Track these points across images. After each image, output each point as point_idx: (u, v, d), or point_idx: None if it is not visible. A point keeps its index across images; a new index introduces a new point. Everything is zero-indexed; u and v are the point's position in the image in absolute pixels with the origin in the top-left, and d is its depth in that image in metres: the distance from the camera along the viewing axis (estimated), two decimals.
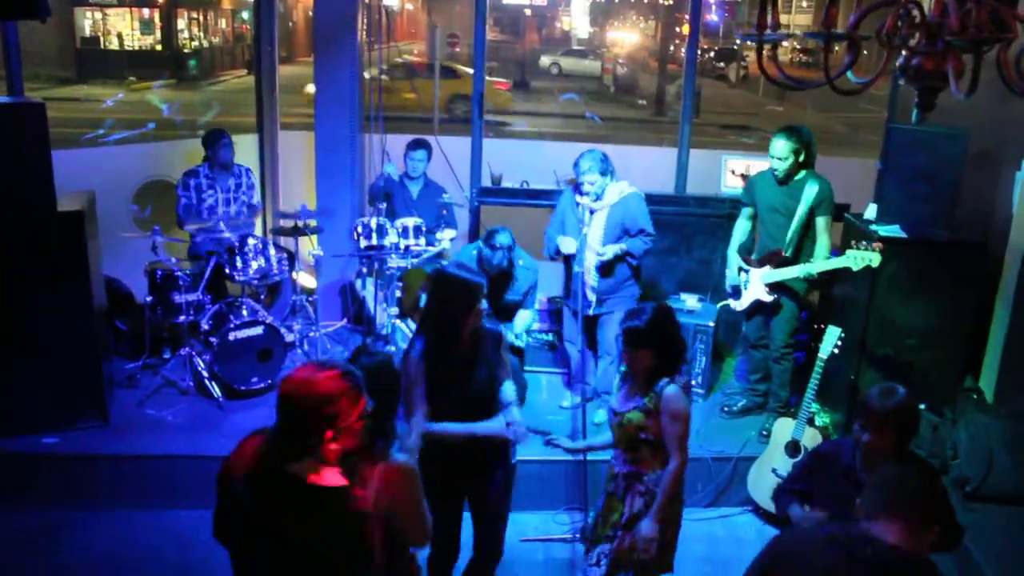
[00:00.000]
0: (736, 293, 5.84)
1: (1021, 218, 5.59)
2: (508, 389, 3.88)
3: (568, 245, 5.68)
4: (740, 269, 5.77)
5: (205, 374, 6.00)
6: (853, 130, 18.64)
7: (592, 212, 5.62)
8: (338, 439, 2.49)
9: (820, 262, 5.42)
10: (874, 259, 5.08)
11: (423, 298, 4.13)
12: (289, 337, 6.52)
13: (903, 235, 5.58)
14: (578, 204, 5.69)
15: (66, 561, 4.84)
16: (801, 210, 5.45)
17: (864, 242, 5.12)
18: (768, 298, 5.64)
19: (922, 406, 5.64)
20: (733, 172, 7.02)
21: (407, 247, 6.21)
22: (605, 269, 5.68)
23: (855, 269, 5.14)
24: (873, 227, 5.73)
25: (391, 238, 6.17)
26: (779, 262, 5.53)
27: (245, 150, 7.57)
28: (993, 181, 5.91)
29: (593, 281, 5.71)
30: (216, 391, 5.94)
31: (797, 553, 2.47)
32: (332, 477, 2.50)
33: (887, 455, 3.21)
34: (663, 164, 7.34)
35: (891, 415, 3.21)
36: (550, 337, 6.53)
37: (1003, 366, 5.64)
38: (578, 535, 5.18)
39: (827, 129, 18.25)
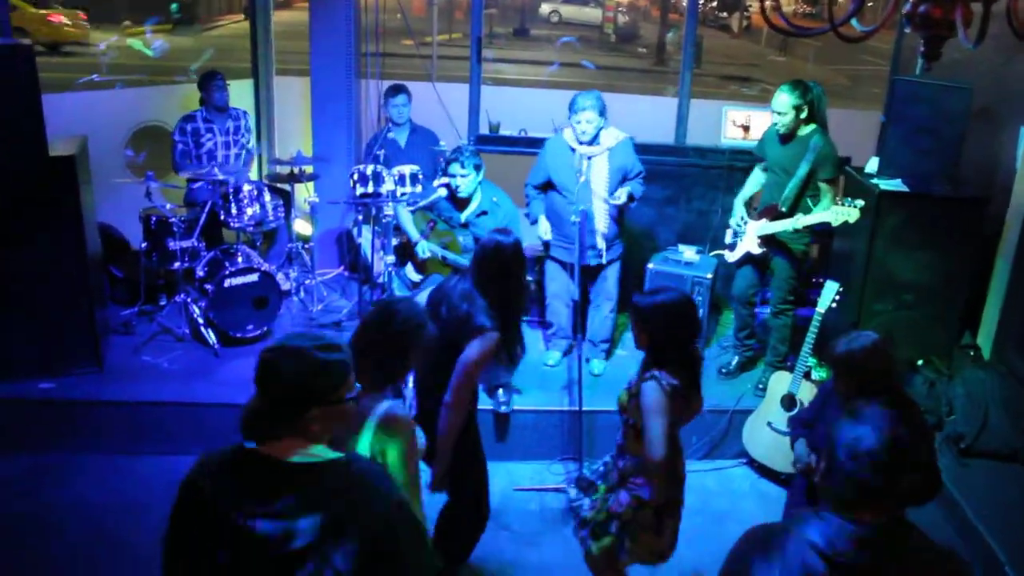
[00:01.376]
0: (733, 244, 5.80)
1: None
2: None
3: (544, 230, 5.68)
4: (741, 218, 5.72)
5: (201, 321, 5.98)
6: (856, 82, 18.47)
7: (590, 159, 5.52)
8: (323, 417, 2.24)
9: (803, 216, 5.34)
10: (852, 215, 5.04)
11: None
12: (285, 285, 6.49)
13: (905, 189, 5.53)
14: (574, 151, 5.56)
15: (58, 503, 4.85)
16: (801, 168, 5.38)
17: (848, 199, 5.10)
18: (758, 251, 5.60)
19: (920, 362, 5.68)
20: (734, 123, 6.93)
21: (403, 194, 6.15)
22: (613, 216, 5.63)
23: (835, 224, 5.13)
24: (875, 180, 5.68)
25: (387, 185, 6.11)
26: (774, 216, 5.48)
27: (240, 96, 7.47)
28: (997, 137, 5.85)
29: (604, 227, 5.62)
30: (212, 338, 5.92)
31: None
32: (316, 452, 2.24)
33: (847, 398, 3.30)
34: (663, 114, 7.24)
35: (842, 359, 3.29)
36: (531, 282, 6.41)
37: (1001, 323, 5.64)
38: (572, 484, 5.20)
39: (830, 81, 18.05)
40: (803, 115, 5.37)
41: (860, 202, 5.04)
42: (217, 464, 2.20)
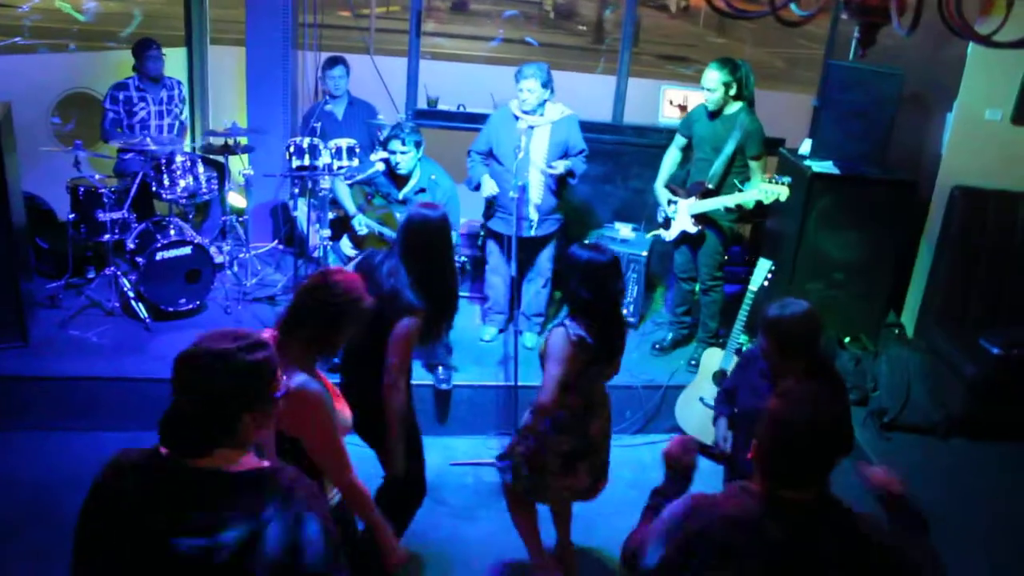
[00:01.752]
0: (667, 223, 5.87)
1: (950, 159, 5.73)
2: None
3: (489, 187, 5.61)
4: (669, 201, 5.79)
5: (131, 295, 5.86)
6: (792, 65, 18.71)
7: (531, 129, 5.52)
8: (255, 422, 2.12)
9: (735, 195, 5.46)
10: (782, 193, 5.19)
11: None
12: (218, 258, 6.38)
13: (836, 171, 5.66)
14: (517, 119, 5.57)
15: None
16: (729, 145, 5.47)
17: (776, 177, 5.23)
18: (693, 229, 5.68)
19: (847, 339, 5.83)
20: (671, 102, 7.00)
21: (339, 168, 6.09)
22: (552, 188, 5.66)
23: (766, 202, 5.25)
24: (807, 163, 5.79)
25: (324, 159, 6.04)
26: (703, 194, 5.57)
27: (174, 65, 7.29)
28: (925, 122, 6.01)
29: (538, 199, 5.65)
30: (143, 312, 5.81)
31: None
32: (250, 460, 2.14)
33: (773, 361, 3.41)
34: (601, 92, 7.28)
35: (772, 322, 3.38)
36: (463, 259, 6.35)
37: (924, 302, 5.84)
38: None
39: (766, 64, 18.29)
40: (732, 92, 5.47)
41: (787, 179, 5.18)
42: (142, 474, 2.05)
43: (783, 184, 5.16)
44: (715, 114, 5.56)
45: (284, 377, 2.30)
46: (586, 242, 3.90)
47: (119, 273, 5.92)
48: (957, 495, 4.80)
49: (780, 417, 2.22)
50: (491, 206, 5.80)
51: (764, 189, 5.21)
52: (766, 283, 5.08)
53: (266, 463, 2.13)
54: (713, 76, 5.43)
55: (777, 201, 5.22)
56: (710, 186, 5.55)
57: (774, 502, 2.19)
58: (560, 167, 5.53)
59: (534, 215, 5.67)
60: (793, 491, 2.19)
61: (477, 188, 5.72)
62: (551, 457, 3.80)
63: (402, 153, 5.45)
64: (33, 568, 4.10)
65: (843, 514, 2.22)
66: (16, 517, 4.44)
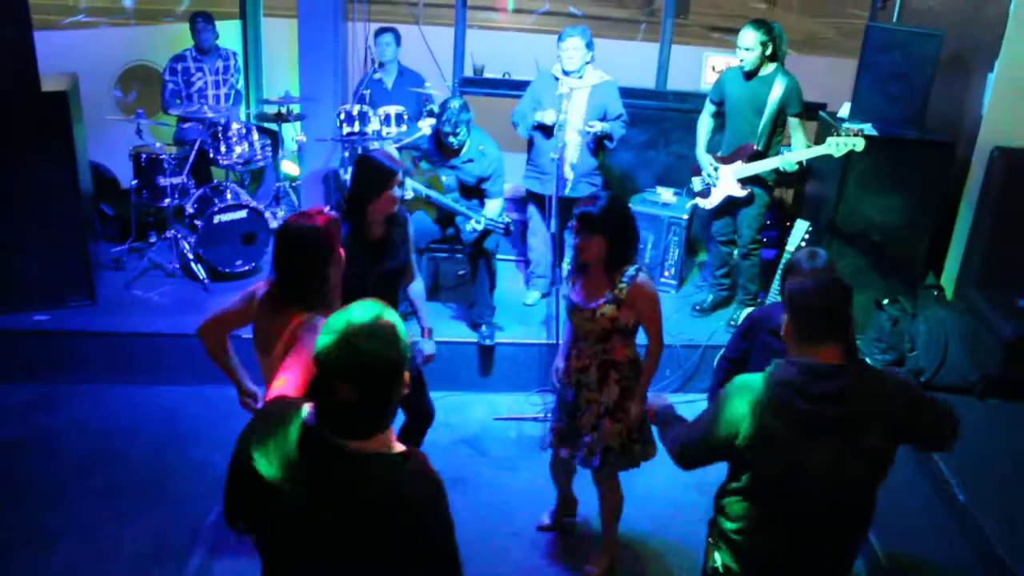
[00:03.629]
0: (706, 192, 5.94)
1: (990, 121, 5.72)
2: (417, 287, 4.19)
3: (549, 115, 5.67)
4: (712, 168, 5.87)
5: (190, 256, 6.13)
6: (844, 35, 18.47)
7: (571, 91, 5.65)
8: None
9: (800, 150, 5.50)
10: (858, 143, 5.17)
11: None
12: (273, 223, 6.63)
13: (874, 133, 5.70)
14: (557, 79, 5.70)
15: (53, 427, 5.05)
16: (771, 104, 5.54)
17: (846, 128, 5.24)
18: (742, 193, 5.74)
19: (885, 301, 5.89)
20: (713, 69, 7.07)
21: (388, 134, 6.28)
22: (590, 149, 5.78)
23: (836, 156, 5.24)
24: (846, 125, 5.83)
25: (373, 125, 6.24)
26: (751, 156, 5.64)
27: (229, 36, 7.53)
28: (965, 84, 6.00)
29: (574, 159, 5.80)
30: (201, 273, 6.08)
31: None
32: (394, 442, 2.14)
33: None
34: (645, 60, 7.36)
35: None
36: (508, 221, 6.40)
37: (964, 264, 5.86)
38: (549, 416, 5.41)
39: (818, 34, 18.10)
40: (768, 51, 5.54)
41: (866, 126, 5.17)
42: (302, 460, 2.02)
43: (854, 135, 5.17)
44: (751, 75, 5.63)
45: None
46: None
47: (179, 236, 6.20)
48: (988, 452, 4.86)
49: (795, 289, 2.67)
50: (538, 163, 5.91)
51: (835, 141, 5.17)
52: (803, 244, 5.16)
53: (402, 447, 2.13)
54: (750, 36, 5.50)
55: (852, 152, 5.20)
56: (758, 148, 5.63)
57: (808, 365, 2.57)
58: (597, 127, 5.66)
59: (570, 174, 5.82)
60: (822, 349, 2.58)
61: (537, 128, 5.79)
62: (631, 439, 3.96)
63: (454, 136, 5.57)
64: (102, 503, 4.43)
65: (869, 370, 2.65)
66: (86, 459, 4.77)
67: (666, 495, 4.75)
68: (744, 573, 2.79)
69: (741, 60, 5.59)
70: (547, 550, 4.38)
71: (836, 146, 5.20)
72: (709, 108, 5.94)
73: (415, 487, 2.03)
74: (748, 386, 2.65)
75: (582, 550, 4.35)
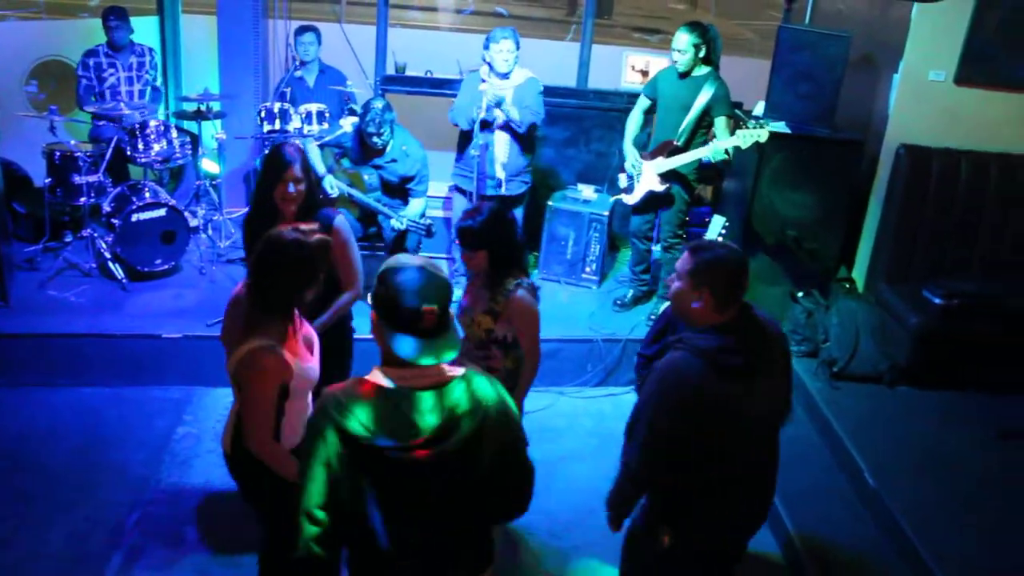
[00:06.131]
0: (629, 188, 6.03)
1: (896, 119, 5.95)
2: None
3: (490, 93, 5.64)
4: (634, 162, 5.97)
5: (108, 256, 6.01)
6: (762, 37, 18.87)
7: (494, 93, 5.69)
8: None
9: (709, 145, 5.61)
10: (762, 135, 5.33)
11: None
12: (193, 222, 6.54)
13: (787, 131, 5.87)
14: (483, 80, 5.74)
15: None
16: (698, 105, 5.67)
17: (752, 121, 5.40)
18: (661, 188, 5.84)
19: (800, 293, 6.08)
20: (633, 68, 7.19)
21: (309, 132, 6.25)
22: (519, 149, 5.85)
23: (744, 147, 5.38)
24: (752, 120, 5.99)
25: (294, 123, 6.21)
26: (671, 152, 5.74)
27: (147, 33, 7.40)
28: (873, 83, 6.23)
29: (504, 157, 5.85)
30: (119, 273, 5.96)
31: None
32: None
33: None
34: (568, 60, 7.45)
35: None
36: (429, 222, 6.09)
37: (873, 258, 6.08)
38: None
39: (736, 35, 18.49)
40: (701, 54, 5.66)
41: (768, 121, 5.31)
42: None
43: (760, 126, 5.32)
44: (684, 75, 5.74)
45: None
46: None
47: (95, 235, 6.07)
48: (898, 439, 5.06)
49: (712, 259, 2.90)
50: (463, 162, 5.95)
51: (742, 134, 5.32)
52: (720, 238, 5.31)
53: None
54: (683, 38, 5.61)
55: (757, 144, 5.36)
56: (678, 143, 5.73)
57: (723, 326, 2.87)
58: (514, 112, 5.66)
59: (501, 173, 5.86)
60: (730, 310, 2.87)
61: (482, 123, 5.68)
62: None
63: (379, 137, 5.58)
64: (20, 508, 4.32)
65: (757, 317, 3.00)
66: (3, 464, 4.64)
67: (589, 486, 4.82)
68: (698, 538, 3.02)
69: (675, 61, 5.70)
70: None
71: (743, 138, 5.36)
72: (642, 103, 6.04)
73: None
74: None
75: None
